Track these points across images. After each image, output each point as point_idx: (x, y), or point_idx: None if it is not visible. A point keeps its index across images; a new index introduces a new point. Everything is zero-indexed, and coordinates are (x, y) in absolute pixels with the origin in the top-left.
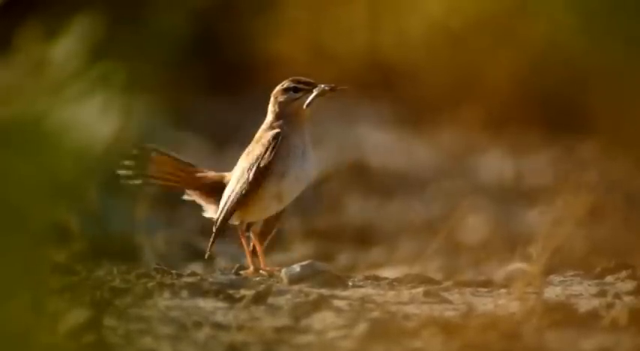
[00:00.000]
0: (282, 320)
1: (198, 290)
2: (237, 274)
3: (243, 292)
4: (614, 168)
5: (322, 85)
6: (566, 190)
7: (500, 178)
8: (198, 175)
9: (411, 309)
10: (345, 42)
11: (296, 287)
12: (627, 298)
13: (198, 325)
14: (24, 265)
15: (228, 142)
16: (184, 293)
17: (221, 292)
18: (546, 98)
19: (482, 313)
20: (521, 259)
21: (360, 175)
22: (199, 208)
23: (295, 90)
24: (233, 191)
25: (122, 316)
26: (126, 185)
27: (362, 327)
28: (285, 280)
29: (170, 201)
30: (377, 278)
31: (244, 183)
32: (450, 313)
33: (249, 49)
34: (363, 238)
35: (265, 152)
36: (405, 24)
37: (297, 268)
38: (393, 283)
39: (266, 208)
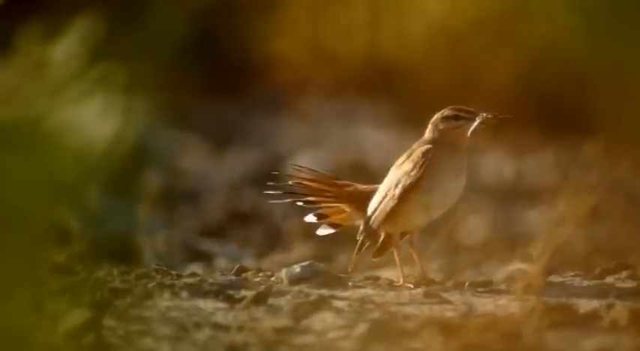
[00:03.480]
0: (283, 321)
1: (198, 291)
2: (237, 274)
3: (243, 292)
4: (615, 168)
5: (484, 114)
6: (567, 190)
7: (500, 178)
8: (349, 188)
9: (410, 309)
10: (345, 42)
11: (296, 288)
12: (627, 299)
13: (198, 325)
14: (24, 265)
15: (228, 142)
16: (184, 294)
17: (221, 292)
18: (546, 98)
19: (482, 314)
20: (521, 260)
21: (360, 176)
22: (199, 209)
23: (456, 118)
24: (380, 204)
25: (122, 316)
26: (126, 186)
27: (362, 327)
28: (286, 281)
29: (170, 201)
30: (377, 279)
31: (390, 199)
32: (449, 314)
33: (249, 50)
34: None
35: (414, 169)
36: (405, 24)
37: (297, 268)
38: (392, 284)
39: (413, 220)
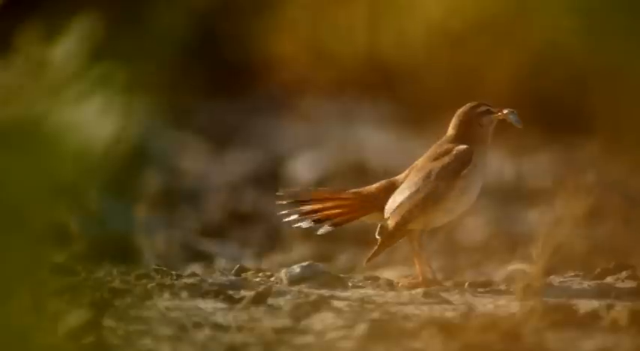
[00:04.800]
0: (282, 321)
1: (198, 291)
2: (237, 274)
3: (243, 292)
4: (614, 168)
5: (506, 110)
6: (566, 191)
7: (500, 179)
8: (366, 193)
9: (410, 309)
10: (345, 42)
11: (296, 288)
12: (627, 299)
13: (198, 325)
14: (24, 266)
15: (228, 142)
16: (184, 294)
17: (221, 292)
18: (546, 99)
19: (482, 314)
20: (521, 260)
21: (360, 176)
22: (199, 209)
23: (490, 112)
24: (411, 198)
25: (122, 316)
26: (126, 186)
27: (362, 327)
28: (285, 281)
29: (170, 201)
30: (377, 279)
31: (430, 193)
32: (449, 314)
33: (249, 50)
34: (363, 238)
35: (457, 166)
36: (404, 24)
37: (297, 268)
38: (392, 284)
39: (434, 220)
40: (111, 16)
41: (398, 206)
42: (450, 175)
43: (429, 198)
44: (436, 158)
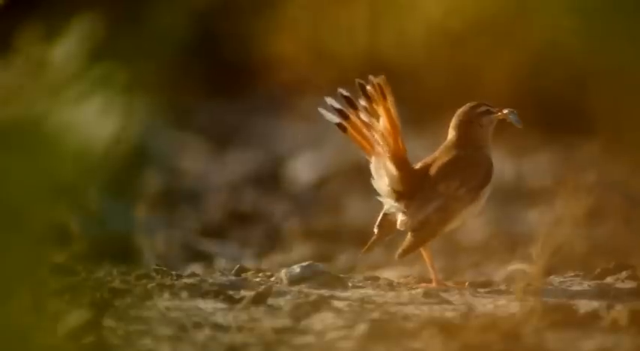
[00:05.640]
0: (282, 321)
1: (198, 291)
2: (237, 274)
3: (243, 293)
4: (614, 168)
5: (506, 110)
6: (566, 191)
7: (500, 179)
8: (404, 151)
9: (410, 309)
10: (345, 42)
11: (296, 288)
12: (627, 299)
13: (198, 326)
14: (24, 266)
15: (228, 142)
16: (184, 294)
17: (221, 292)
18: (546, 99)
19: (482, 314)
20: (521, 260)
21: (360, 176)
22: (199, 209)
23: (490, 113)
24: (438, 210)
25: (122, 317)
26: (126, 186)
27: (362, 328)
28: (285, 281)
29: (170, 201)
30: (377, 279)
31: (457, 204)
32: (449, 314)
33: (249, 50)
34: (363, 238)
35: (483, 179)
36: (404, 24)
37: (297, 268)
38: (392, 284)
39: (454, 225)
40: (111, 16)
41: (425, 222)
42: (477, 186)
43: (456, 209)
44: (458, 164)
